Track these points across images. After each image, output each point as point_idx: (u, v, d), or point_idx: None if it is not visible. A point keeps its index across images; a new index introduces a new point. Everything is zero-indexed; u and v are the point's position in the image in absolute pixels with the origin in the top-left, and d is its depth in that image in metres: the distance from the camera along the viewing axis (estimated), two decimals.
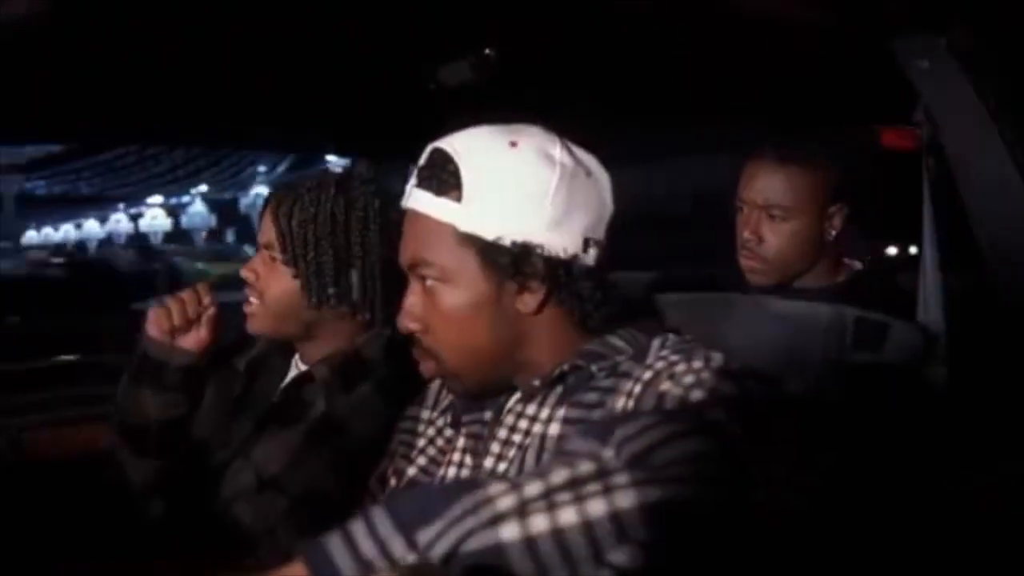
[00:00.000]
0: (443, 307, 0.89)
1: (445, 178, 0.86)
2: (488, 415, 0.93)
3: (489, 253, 0.86)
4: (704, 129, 1.95)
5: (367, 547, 0.59)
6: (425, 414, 1.03)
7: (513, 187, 0.85)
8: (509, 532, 0.57)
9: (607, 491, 0.57)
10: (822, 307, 1.23)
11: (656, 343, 0.86)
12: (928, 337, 1.14)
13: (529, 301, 0.88)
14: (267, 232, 1.23)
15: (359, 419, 1.16)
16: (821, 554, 0.74)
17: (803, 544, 0.68)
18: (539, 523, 0.57)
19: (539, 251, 0.85)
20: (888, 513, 0.95)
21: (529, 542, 0.57)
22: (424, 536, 0.58)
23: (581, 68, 1.44)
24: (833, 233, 1.45)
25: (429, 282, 0.89)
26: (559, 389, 0.88)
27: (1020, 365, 1.09)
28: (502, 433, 0.90)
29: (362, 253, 1.20)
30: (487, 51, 1.38)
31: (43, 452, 1.28)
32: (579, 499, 0.57)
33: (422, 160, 0.89)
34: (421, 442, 1.01)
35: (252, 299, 1.24)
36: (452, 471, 0.94)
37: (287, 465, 1.13)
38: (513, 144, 0.86)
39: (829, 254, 1.47)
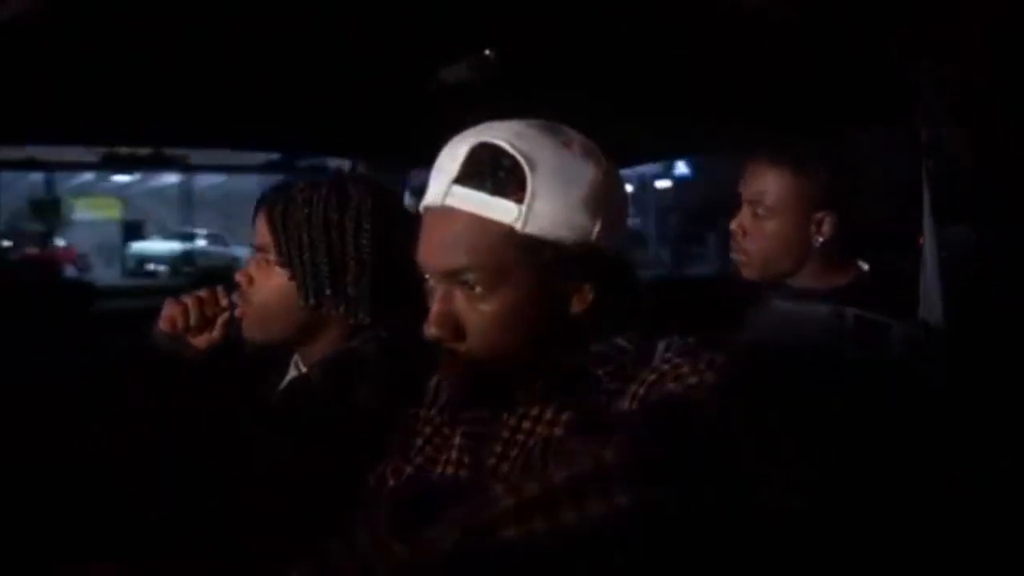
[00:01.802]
0: (490, 314, 0.84)
1: (503, 176, 0.81)
2: (487, 414, 0.92)
3: (550, 256, 0.83)
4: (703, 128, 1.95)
5: (367, 549, 0.59)
6: (422, 412, 1.03)
7: (576, 188, 0.83)
8: (509, 532, 0.57)
9: (606, 491, 0.57)
10: (822, 307, 1.23)
11: (661, 345, 0.85)
12: (929, 336, 1.14)
13: (581, 303, 0.86)
14: (261, 234, 1.23)
15: (357, 420, 1.15)
16: (821, 554, 0.74)
17: (803, 544, 0.68)
18: (538, 523, 0.57)
19: (598, 251, 0.84)
20: (888, 512, 0.95)
21: (528, 541, 0.57)
22: (425, 536, 0.58)
23: (582, 68, 1.44)
24: (820, 240, 1.45)
25: (477, 288, 0.84)
26: (564, 391, 0.87)
27: (1020, 365, 1.09)
28: (504, 433, 0.89)
29: (356, 253, 1.20)
30: (487, 51, 1.38)
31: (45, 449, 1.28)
32: (578, 499, 0.57)
33: (463, 155, 0.83)
34: (418, 441, 1.01)
35: (245, 304, 1.25)
36: (451, 470, 0.93)
37: (286, 467, 1.13)
38: (567, 143, 0.84)
39: (819, 257, 1.47)
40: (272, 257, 1.22)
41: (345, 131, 1.88)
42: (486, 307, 0.84)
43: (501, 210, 0.81)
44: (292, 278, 1.21)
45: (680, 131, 1.95)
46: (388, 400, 1.12)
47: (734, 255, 1.53)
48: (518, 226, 0.81)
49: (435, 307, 0.86)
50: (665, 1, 1.14)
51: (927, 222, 1.21)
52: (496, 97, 1.27)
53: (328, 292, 1.20)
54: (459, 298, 0.85)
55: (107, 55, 1.28)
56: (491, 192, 0.81)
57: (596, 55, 1.38)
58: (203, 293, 1.30)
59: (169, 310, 1.28)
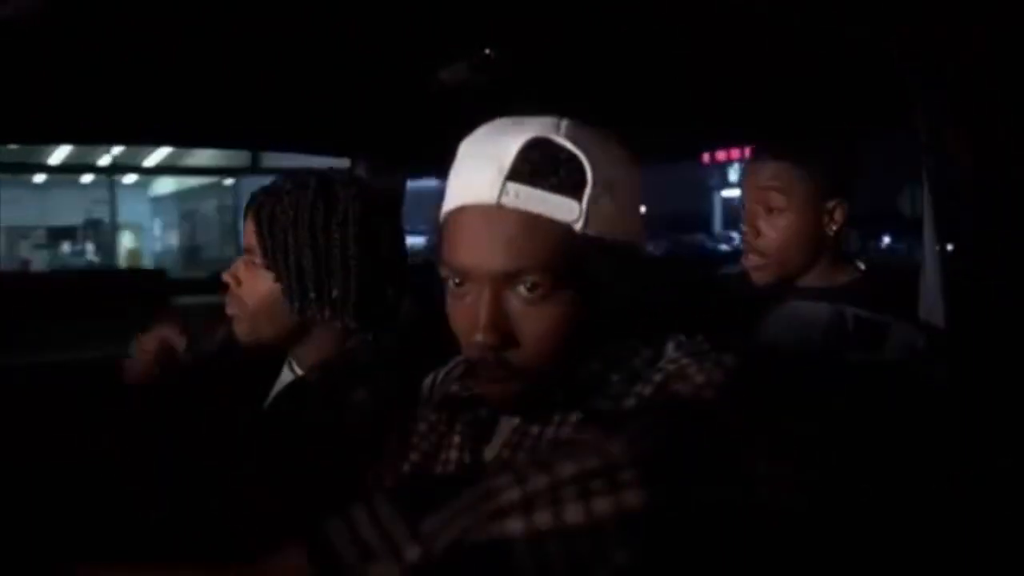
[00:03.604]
0: (548, 317, 0.79)
1: (566, 174, 0.77)
2: (485, 412, 0.91)
3: (604, 255, 0.80)
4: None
5: (368, 532, 0.58)
6: (418, 411, 1.02)
7: (625, 185, 0.81)
8: (513, 526, 0.56)
9: (613, 488, 0.57)
10: (823, 306, 1.23)
11: (671, 346, 0.84)
12: (929, 336, 1.14)
13: (617, 303, 0.84)
14: (248, 236, 1.22)
15: (354, 424, 1.15)
16: (822, 553, 0.74)
17: (805, 543, 0.67)
18: (543, 518, 0.56)
19: (638, 249, 0.83)
20: (888, 512, 0.95)
21: (532, 537, 0.56)
22: (427, 525, 0.57)
23: (582, 68, 1.44)
24: (834, 228, 1.44)
25: (537, 291, 0.78)
26: (579, 393, 0.84)
27: (1020, 365, 1.08)
28: (507, 433, 0.88)
29: (342, 257, 1.18)
30: (487, 51, 1.38)
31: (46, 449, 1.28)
32: (585, 495, 0.56)
33: (516, 151, 0.78)
34: (414, 439, 1.00)
35: (234, 305, 1.24)
36: (451, 469, 0.92)
37: (283, 472, 1.13)
38: (609, 139, 0.82)
39: (830, 251, 1.46)
40: (258, 260, 1.21)
41: (345, 131, 1.88)
42: (544, 311, 0.79)
43: (562, 209, 0.77)
44: (277, 281, 1.20)
45: (680, 132, 1.95)
46: (385, 402, 1.12)
47: (745, 261, 1.49)
48: (578, 226, 0.77)
49: (486, 312, 0.79)
50: (665, 1, 1.14)
51: (927, 222, 1.21)
52: (496, 97, 1.27)
53: (312, 296, 1.19)
54: (512, 302, 0.80)
55: (108, 53, 1.28)
56: (552, 190, 0.77)
57: (597, 55, 1.38)
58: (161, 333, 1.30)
59: (129, 367, 1.29)
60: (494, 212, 0.78)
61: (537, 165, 0.77)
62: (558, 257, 0.78)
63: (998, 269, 1.12)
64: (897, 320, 1.16)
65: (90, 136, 1.80)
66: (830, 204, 1.43)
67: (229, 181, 17.74)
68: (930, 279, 1.19)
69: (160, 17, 1.15)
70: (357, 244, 1.18)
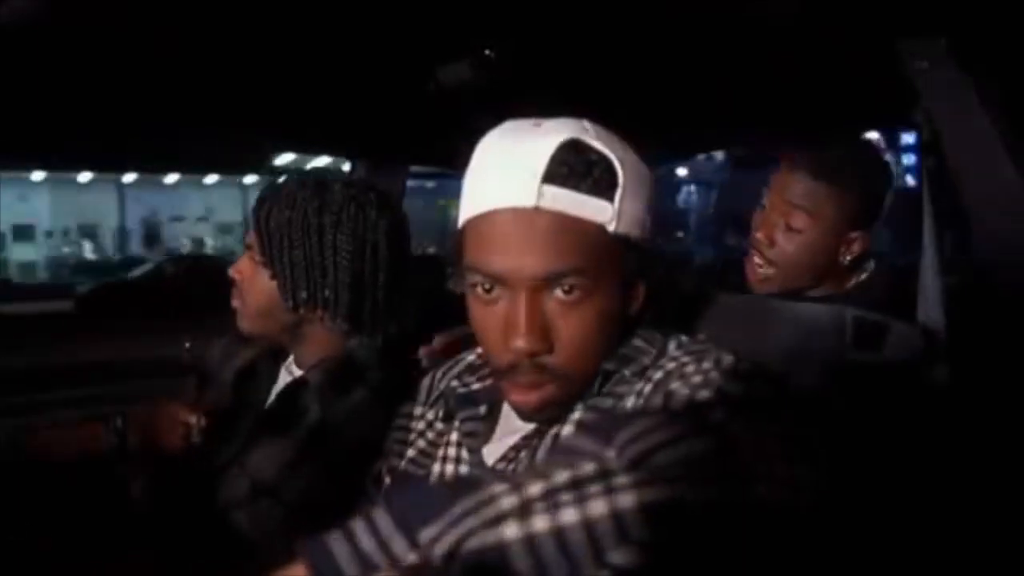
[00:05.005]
0: (586, 319, 0.79)
1: (599, 176, 0.77)
2: (483, 409, 0.91)
3: (631, 255, 0.81)
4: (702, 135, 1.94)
5: (368, 545, 0.58)
6: (417, 410, 1.02)
7: (645, 184, 0.82)
8: (510, 532, 0.56)
9: (609, 491, 0.56)
10: (822, 307, 1.23)
11: (672, 344, 0.85)
12: (928, 337, 1.14)
13: (636, 301, 0.85)
14: (251, 233, 1.23)
15: (355, 425, 1.15)
16: (821, 554, 0.74)
17: (803, 544, 0.67)
18: (540, 523, 0.56)
19: (656, 248, 0.84)
20: (888, 512, 0.95)
21: (530, 542, 0.56)
22: (425, 535, 0.57)
23: (582, 68, 1.44)
24: (848, 259, 1.41)
25: (575, 293, 0.78)
26: (587, 392, 0.84)
27: (1020, 365, 1.08)
28: (508, 432, 0.88)
29: (334, 257, 1.18)
30: (487, 51, 1.38)
31: (43, 452, 1.28)
32: (581, 499, 0.56)
33: (549, 154, 0.77)
34: (411, 436, 1.00)
35: (239, 299, 1.24)
36: (450, 467, 0.92)
37: (283, 473, 1.12)
38: (622, 140, 0.83)
39: (837, 272, 1.43)
40: (258, 257, 1.21)
41: (344, 131, 1.88)
42: (581, 312, 0.79)
43: (597, 210, 0.78)
44: (274, 278, 1.20)
45: (680, 134, 1.95)
46: (385, 404, 1.11)
47: (750, 271, 1.46)
48: (611, 226, 0.78)
49: (526, 316, 0.78)
50: (664, 3, 1.14)
51: (927, 222, 1.21)
52: (496, 97, 1.27)
53: (304, 295, 1.19)
54: (549, 306, 0.79)
55: (107, 53, 1.28)
56: (588, 192, 0.77)
57: (598, 55, 1.38)
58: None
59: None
60: (531, 215, 0.77)
61: (572, 167, 0.77)
62: (594, 258, 0.78)
63: (997, 269, 1.13)
64: (897, 321, 1.16)
65: (87, 134, 1.79)
66: (852, 235, 1.40)
67: (431, 184, 22.08)
68: (930, 279, 1.19)
69: (160, 17, 1.14)
70: (351, 245, 1.18)
